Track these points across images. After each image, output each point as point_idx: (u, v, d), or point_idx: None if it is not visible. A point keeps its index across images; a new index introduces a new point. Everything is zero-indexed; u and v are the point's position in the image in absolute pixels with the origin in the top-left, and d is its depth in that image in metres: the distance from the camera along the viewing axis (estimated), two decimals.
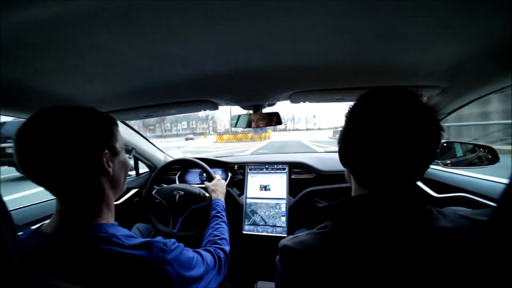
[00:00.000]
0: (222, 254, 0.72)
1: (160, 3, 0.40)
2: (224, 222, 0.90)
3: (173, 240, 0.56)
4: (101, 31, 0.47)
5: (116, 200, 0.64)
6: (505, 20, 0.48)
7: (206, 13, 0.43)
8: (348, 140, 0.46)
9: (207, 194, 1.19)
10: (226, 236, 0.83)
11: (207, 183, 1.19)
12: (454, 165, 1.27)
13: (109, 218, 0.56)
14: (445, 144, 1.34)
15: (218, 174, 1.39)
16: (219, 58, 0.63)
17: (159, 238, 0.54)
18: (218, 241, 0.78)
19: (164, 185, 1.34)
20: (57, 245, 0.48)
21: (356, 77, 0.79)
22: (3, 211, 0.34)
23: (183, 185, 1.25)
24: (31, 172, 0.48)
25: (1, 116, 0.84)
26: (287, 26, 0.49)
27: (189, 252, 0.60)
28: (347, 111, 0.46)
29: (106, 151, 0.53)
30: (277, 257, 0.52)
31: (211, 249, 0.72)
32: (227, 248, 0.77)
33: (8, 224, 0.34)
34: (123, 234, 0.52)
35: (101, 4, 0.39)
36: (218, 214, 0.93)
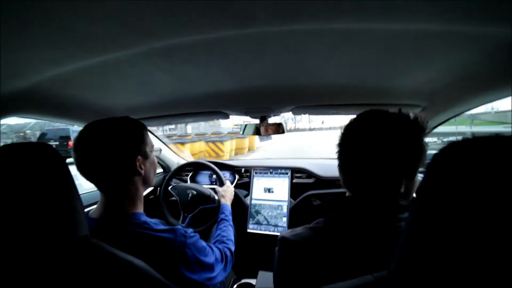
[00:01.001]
0: (228, 253, 0.81)
1: (189, 45, 0.54)
2: (231, 225, 0.99)
3: (191, 229, 0.68)
4: (145, 64, 0.63)
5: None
6: (472, 55, 0.60)
7: (224, 50, 0.58)
8: (341, 152, 0.57)
9: (216, 197, 1.32)
10: (232, 238, 0.92)
11: (218, 188, 1.31)
12: None
13: (140, 209, 0.70)
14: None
15: (227, 178, 1.53)
16: (232, 79, 0.78)
17: (180, 227, 0.67)
18: (226, 241, 0.87)
19: (180, 183, 1.48)
20: (103, 228, 0.62)
21: (348, 96, 0.92)
22: (76, 193, 0.49)
23: (196, 186, 1.39)
24: (84, 171, 0.63)
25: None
26: (283, 55, 0.62)
27: (203, 243, 0.71)
28: (341, 131, 0.57)
29: (139, 157, 0.67)
30: (276, 248, 0.63)
31: (220, 246, 0.81)
32: (232, 248, 0.86)
33: (80, 202, 0.49)
34: (152, 222, 0.66)
35: (148, 50, 0.55)
36: (226, 218, 1.02)
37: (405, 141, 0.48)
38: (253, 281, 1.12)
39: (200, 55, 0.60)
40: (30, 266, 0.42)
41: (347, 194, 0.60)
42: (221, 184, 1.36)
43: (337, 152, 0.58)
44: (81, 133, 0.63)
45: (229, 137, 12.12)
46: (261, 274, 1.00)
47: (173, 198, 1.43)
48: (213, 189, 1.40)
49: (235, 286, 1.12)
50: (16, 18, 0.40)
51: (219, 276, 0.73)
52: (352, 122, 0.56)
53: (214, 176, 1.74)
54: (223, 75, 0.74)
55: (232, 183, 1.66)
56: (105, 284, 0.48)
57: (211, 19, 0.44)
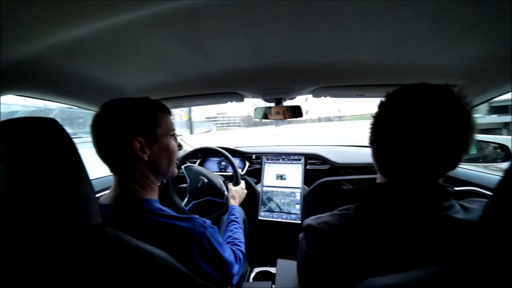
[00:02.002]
0: (241, 256, 0.76)
1: (217, 8, 0.47)
2: (241, 227, 0.93)
3: (209, 220, 0.63)
4: (160, 31, 0.55)
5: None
6: None
7: (252, 16, 0.50)
8: (379, 130, 0.50)
9: (226, 193, 1.26)
10: (243, 240, 0.87)
11: (231, 186, 1.22)
12: (467, 161, 1.31)
13: (153, 195, 0.64)
14: None
15: (236, 164, 1.45)
16: (251, 54, 0.70)
17: (198, 216, 0.61)
18: (238, 243, 0.81)
19: (195, 165, 1.41)
20: (115, 214, 0.56)
21: (378, 75, 0.85)
22: (87, 178, 0.43)
23: (209, 174, 1.31)
24: (96, 150, 0.60)
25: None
26: (318, 27, 0.55)
27: (221, 239, 0.66)
28: (380, 102, 0.49)
29: (140, 138, 0.59)
30: (301, 234, 0.58)
31: (234, 248, 0.75)
32: (244, 251, 0.81)
33: (91, 188, 0.43)
34: (166, 209, 0.60)
35: (167, 11, 0.46)
36: (237, 220, 0.95)
37: (456, 116, 0.42)
38: (270, 269, 1.09)
39: (224, 22, 0.52)
40: (40, 256, 0.37)
41: (377, 180, 0.55)
42: (236, 182, 1.26)
43: (371, 128, 0.52)
44: (98, 110, 0.61)
45: None
46: (280, 262, 0.96)
47: (182, 185, 1.38)
48: (225, 182, 1.34)
49: (253, 274, 1.08)
50: None
51: (234, 279, 0.68)
52: (394, 93, 0.48)
53: (224, 163, 1.68)
54: (245, 49, 0.66)
55: (242, 169, 1.61)
56: (124, 276, 0.43)
57: None
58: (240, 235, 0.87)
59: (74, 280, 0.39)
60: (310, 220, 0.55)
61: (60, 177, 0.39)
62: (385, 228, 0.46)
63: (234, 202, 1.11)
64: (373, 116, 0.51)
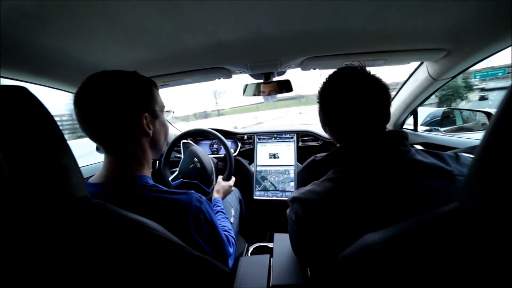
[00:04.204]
0: (233, 241, 0.76)
1: None
2: (227, 218, 0.94)
3: (204, 197, 0.62)
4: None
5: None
6: None
7: None
8: (325, 108, 0.59)
9: (214, 183, 1.25)
10: (232, 228, 0.86)
11: (220, 179, 1.20)
12: (454, 131, 1.34)
13: (148, 172, 0.62)
14: (445, 111, 1.40)
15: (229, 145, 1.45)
16: (236, 24, 0.66)
17: (194, 192, 0.60)
18: (228, 230, 0.81)
19: (194, 144, 1.40)
20: (106, 193, 0.54)
21: (366, 41, 0.83)
22: (68, 150, 0.41)
23: (205, 159, 1.28)
24: (86, 128, 0.55)
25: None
26: None
27: (215, 218, 0.65)
28: (320, 88, 0.59)
29: (146, 114, 0.58)
30: (288, 209, 0.59)
31: (226, 234, 0.75)
32: (235, 238, 0.80)
33: (74, 160, 0.41)
34: (161, 186, 0.59)
35: None
36: (222, 210, 0.96)
37: (374, 84, 0.55)
38: (267, 244, 1.11)
39: None
40: (19, 233, 0.35)
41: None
42: (227, 178, 1.24)
43: (320, 112, 0.61)
44: (83, 84, 0.54)
45: None
46: (277, 236, 0.98)
47: (173, 169, 1.37)
48: (218, 164, 1.33)
49: (251, 249, 1.10)
50: None
51: (229, 260, 0.68)
52: (328, 81, 0.59)
53: (216, 145, 1.67)
54: (229, 17, 0.63)
55: (234, 151, 1.60)
56: (113, 247, 0.42)
57: None
58: (227, 223, 0.88)
59: (60, 255, 0.38)
60: (294, 193, 0.58)
61: (37, 147, 0.36)
62: (366, 181, 0.49)
63: (219, 195, 1.09)
64: (318, 102, 0.60)
